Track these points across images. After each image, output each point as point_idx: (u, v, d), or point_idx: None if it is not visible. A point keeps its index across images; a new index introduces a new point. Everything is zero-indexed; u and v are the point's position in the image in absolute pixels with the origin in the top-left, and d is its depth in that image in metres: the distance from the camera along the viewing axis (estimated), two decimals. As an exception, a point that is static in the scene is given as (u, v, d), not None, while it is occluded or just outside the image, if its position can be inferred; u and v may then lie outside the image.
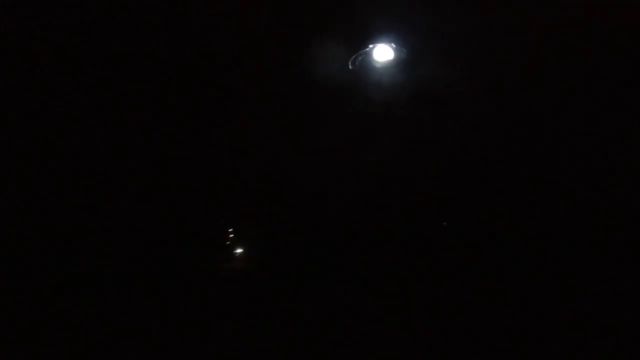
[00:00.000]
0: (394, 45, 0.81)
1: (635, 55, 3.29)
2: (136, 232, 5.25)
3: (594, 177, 3.58)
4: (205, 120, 4.57)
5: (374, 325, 5.47)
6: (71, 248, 5.14)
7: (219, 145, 5.12)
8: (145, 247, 5.50)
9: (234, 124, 4.18)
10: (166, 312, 5.49)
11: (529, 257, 5.17)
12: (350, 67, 0.81)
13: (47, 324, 5.24)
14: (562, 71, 3.07)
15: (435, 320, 5.54)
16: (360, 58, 0.81)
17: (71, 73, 4.95)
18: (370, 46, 0.82)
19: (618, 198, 3.83)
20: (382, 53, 0.82)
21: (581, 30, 2.84)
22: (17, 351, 4.72)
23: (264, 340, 4.58)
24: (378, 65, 0.81)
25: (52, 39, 4.82)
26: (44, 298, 5.22)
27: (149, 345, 5.00)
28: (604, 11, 2.86)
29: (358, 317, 6.00)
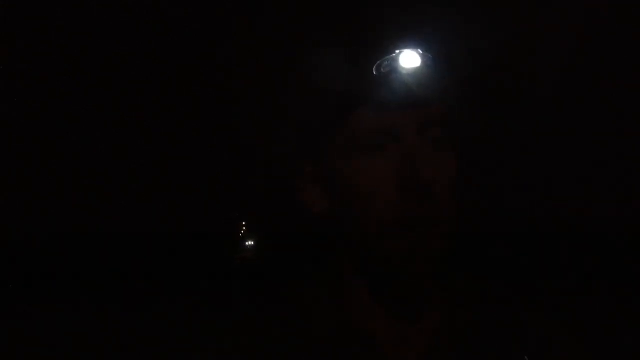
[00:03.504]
0: (420, 51, 0.81)
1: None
2: (139, 232, 5.26)
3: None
4: (215, 119, 4.59)
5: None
6: (76, 247, 5.16)
7: (221, 144, 5.13)
8: (148, 247, 5.52)
9: (237, 124, 4.18)
10: (173, 311, 5.49)
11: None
12: (374, 72, 0.81)
13: (58, 325, 5.24)
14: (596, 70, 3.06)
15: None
16: (386, 63, 0.81)
17: (71, 73, 4.95)
18: (397, 52, 0.81)
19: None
20: (409, 59, 0.81)
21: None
22: (18, 351, 4.71)
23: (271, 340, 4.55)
24: (404, 72, 0.80)
25: (52, 38, 4.83)
26: (49, 299, 5.23)
27: (155, 344, 5.00)
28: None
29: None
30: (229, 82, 4.27)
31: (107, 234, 5.40)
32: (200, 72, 5.23)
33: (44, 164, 4.99)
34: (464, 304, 1.13)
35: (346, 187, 1.00)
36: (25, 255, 5.06)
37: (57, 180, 5.02)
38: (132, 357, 4.85)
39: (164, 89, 5.27)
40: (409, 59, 0.92)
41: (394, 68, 0.93)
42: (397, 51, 0.92)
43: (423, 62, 0.93)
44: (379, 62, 0.93)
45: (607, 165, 3.51)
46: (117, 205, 5.23)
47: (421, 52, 0.93)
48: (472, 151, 1.14)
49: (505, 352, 1.08)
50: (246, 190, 5.13)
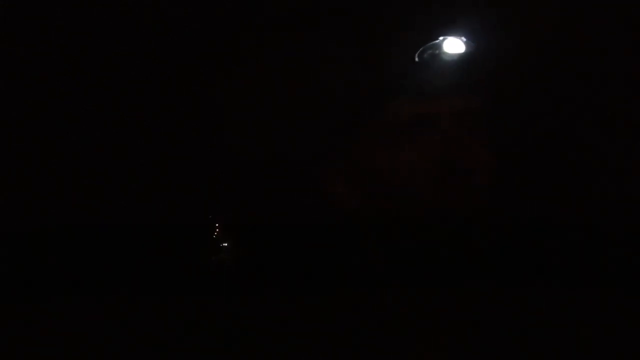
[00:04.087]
0: (464, 39, 0.81)
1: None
2: (133, 231, 5.27)
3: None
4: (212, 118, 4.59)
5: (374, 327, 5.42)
6: (68, 245, 5.16)
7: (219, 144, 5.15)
8: (143, 246, 5.52)
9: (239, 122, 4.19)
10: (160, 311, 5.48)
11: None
12: (416, 59, 0.80)
13: (41, 324, 5.22)
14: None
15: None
16: (429, 51, 0.80)
17: (71, 73, 4.93)
18: (441, 38, 0.81)
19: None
20: (453, 46, 0.81)
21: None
22: (17, 351, 4.69)
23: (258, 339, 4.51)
24: (447, 59, 0.80)
25: (53, 39, 4.80)
26: (39, 298, 5.23)
27: (142, 344, 4.97)
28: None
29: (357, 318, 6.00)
30: (236, 80, 4.28)
31: (88, 233, 5.40)
32: (194, 72, 5.22)
33: (44, 164, 4.99)
34: (480, 298, 1.13)
35: (382, 177, 1.00)
36: (23, 255, 5.05)
37: (38, 176, 5.02)
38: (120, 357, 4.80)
39: (163, 89, 5.26)
40: (453, 46, 0.93)
41: (436, 55, 0.93)
42: (441, 37, 0.93)
43: (466, 49, 0.94)
44: (422, 48, 0.93)
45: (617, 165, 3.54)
46: (93, 204, 5.22)
47: (465, 39, 0.94)
48: (506, 146, 1.14)
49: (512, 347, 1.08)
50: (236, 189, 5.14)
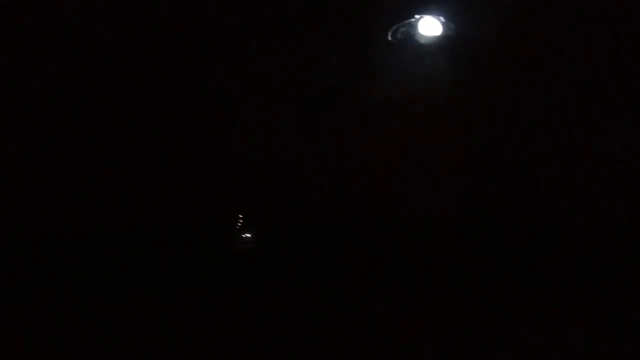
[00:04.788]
0: (443, 19, 0.75)
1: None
2: (139, 227, 5.19)
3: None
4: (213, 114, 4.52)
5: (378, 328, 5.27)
6: (79, 246, 5.07)
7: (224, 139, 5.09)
8: (152, 244, 5.43)
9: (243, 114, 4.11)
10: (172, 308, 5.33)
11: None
12: (390, 39, 0.74)
13: (54, 323, 5.10)
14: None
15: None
16: (402, 30, 0.74)
17: (71, 73, 4.89)
18: (416, 17, 0.75)
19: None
20: (429, 26, 0.74)
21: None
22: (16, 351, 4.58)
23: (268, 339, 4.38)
24: (422, 39, 0.73)
25: (53, 38, 4.77)
26: (47, 297, 5.11)
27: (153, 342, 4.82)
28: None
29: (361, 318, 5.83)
30: (228, 82, 4.22)
31: (108, 228, 5.30)
32: (202, 73, 5.17)
33: (44, 164, 4.91)
34: (467, 292, 1.07)
35: (351, 161, 0.92)
36: (23, 255, 4.97)
37: (53, 178, 4.94)
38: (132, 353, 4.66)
39: (164, 88, 5.20)
40: (429, 26, 0.82)
41: (411, 35, 0.83)
42: (417, 16, 0.83)
43: (444, 30, 0.84)
44: (395, 27, 0.84)
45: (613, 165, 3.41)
46: (123, 199, 5.14)
47: (443, 19, 0.84)
48: (486, 136, 1.04)
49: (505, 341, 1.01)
50: (245, 184, 5.03)
